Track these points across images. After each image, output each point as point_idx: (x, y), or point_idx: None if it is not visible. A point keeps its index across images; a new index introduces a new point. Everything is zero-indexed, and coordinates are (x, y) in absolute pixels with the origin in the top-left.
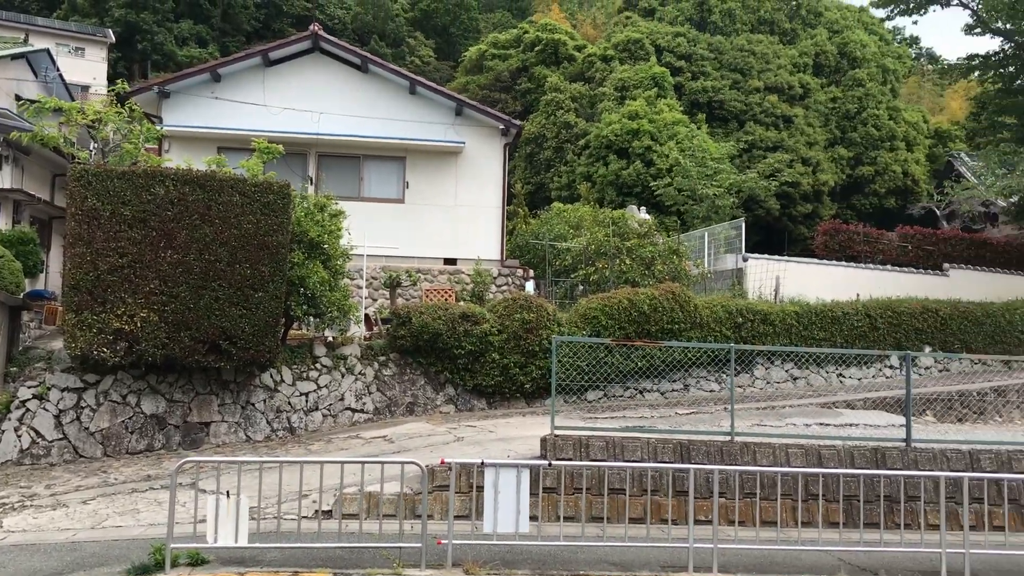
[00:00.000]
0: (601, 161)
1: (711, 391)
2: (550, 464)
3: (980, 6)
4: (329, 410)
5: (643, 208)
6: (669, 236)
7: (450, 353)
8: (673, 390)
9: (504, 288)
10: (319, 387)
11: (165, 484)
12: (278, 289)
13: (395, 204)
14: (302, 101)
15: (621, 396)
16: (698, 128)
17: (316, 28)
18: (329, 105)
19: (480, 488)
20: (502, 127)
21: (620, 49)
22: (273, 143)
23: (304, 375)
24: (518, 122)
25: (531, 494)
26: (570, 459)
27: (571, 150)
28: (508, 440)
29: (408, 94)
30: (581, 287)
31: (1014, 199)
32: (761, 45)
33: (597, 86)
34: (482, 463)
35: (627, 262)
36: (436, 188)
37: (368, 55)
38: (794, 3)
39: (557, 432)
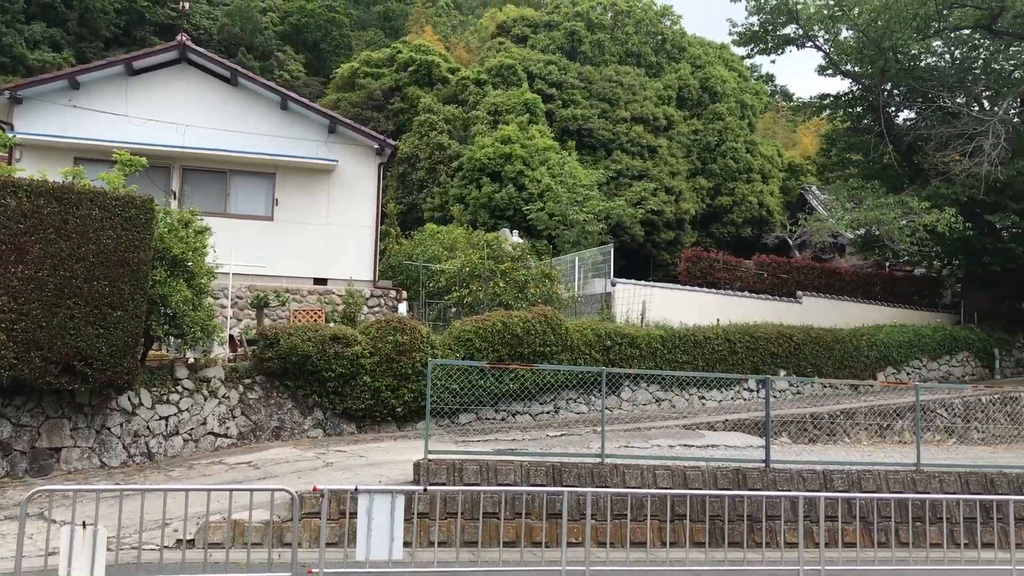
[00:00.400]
0: (474, 184)
1: (580, 413)
2: (425, 489)
3: (832, 49)
4: (191, 435)
5: (516, 232)
6: (541, 260)
7: (319, 376)
8: (544, 412)
9: (376, 310)
10: (180, 410)
11: (11, 515)
12: (138, 308)
13: (264, 221)
14: (167, 113)
15: (493, 419)
16: (569, 155)
17: (184, 38)
18: (196, 118)
19: (352, 515)
20: (377, 146)
21: (493, 74)
22: (136, 155)
23: (164, 398)
24: (393, 142)
25: (404, 520)
26: (444, 484)
27: (444, 171)
28: (379, 465)
29: (280, 109)
30: (455, 309)
31: (860, 231)
32: (628, 77)
33: (471, 109)
34: (356, 489)
35: (501, 285)
36: (307, 206)
37: (238, 68)
38: (660, 38)
39: (431, 456)
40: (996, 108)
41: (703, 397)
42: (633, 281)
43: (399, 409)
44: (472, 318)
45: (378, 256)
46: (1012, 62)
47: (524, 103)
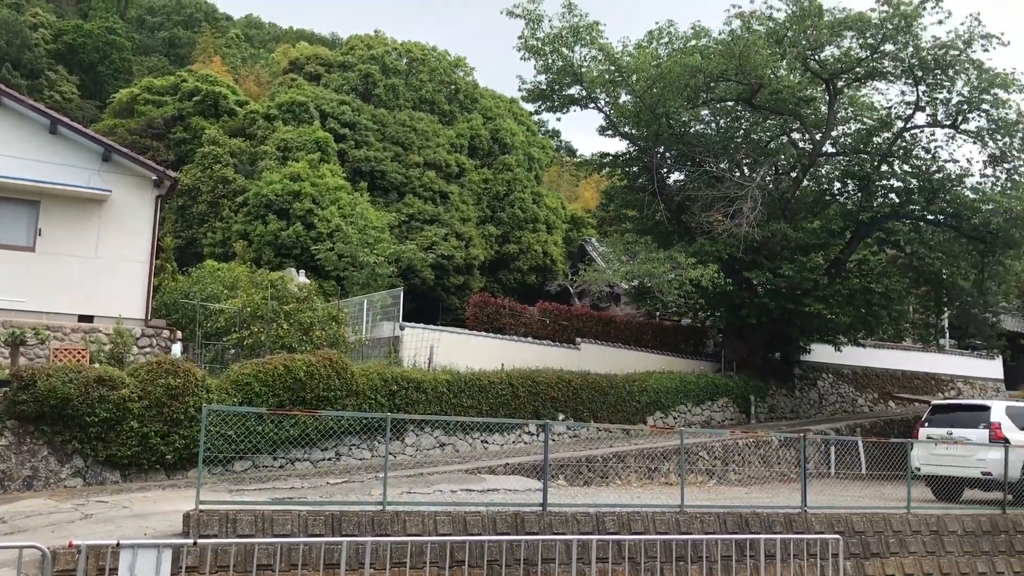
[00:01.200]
0: (260, 220)
1: (363, 459)
2: (195, 543)
3: (612, 111)
4: None
5: (303, 271)
6: (329, 302)
7: (81, 421)
8: (325, 459)
9: (148, 350)
10: None
11: None
12: None
13: (24, 252)
14: None
15: (271, 466)
16: (361, 196)
17: None
18: None
19: (113, 571)
20: (155, 177)
21: (284, 109)
22: None
23: None
24: (173, 173)
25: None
26: (216, 536)
27: (228, 206)
28: (145, 516)
29: (48, 133)
30: (234, 351)
31: (634, 283)
32: (422, 123)
33: (259, 144)
34: (118, 544)
35: (284, 327)
36: (76, 238)
37: (2, 87)
38: (453, 87)
39: (202, 507)
40: (754, 175)
41: (486, 441)
42: (422, 325)
43: (169, 456)
44: (252, 361)
45: (152, 293)
46: (768, 134)
47: (316, 141)
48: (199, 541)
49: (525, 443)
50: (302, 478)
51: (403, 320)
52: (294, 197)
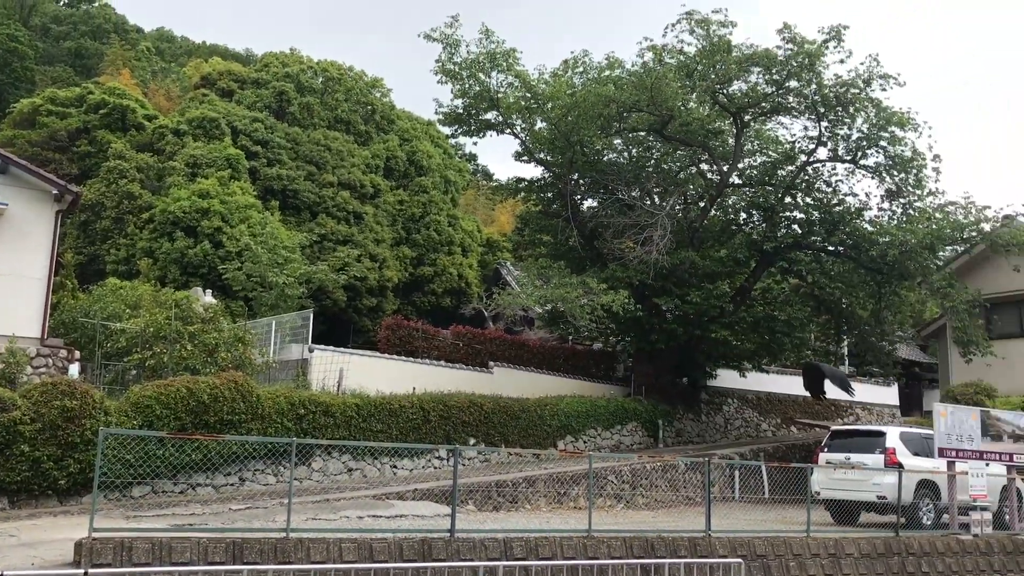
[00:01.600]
0: (167, 237)
1: (268, 484)
2: (86, 573)
3: (528, 138)
4: None
5: (209, 291)
6: (235, 322)
7: None
8: (228, 484)
9: (43, 370)
10: None
11: None
12: None
13: None
14: None
15: (172, 492)
16: (272, 215)
17: None
18: None
19: None
20: (56, 191)
21: (195, 125)
22: None
23: None
24: (76, 188)
25: None
26: (110, 565)
27: (133, 223)
28: (34, 545)
29: None
30: (135, 373)
31: (548, 307)
32: (337, 142)
33: (167, 159)
34: (2, 574)
35: (189, 348)
36: None
37: None
38: (370, 108)
39: (96, 535)
40: (664, 204)
41: (395, 466)
42: (332, 348)
43: (63, 482)
44: (154, 383)
45: (50, 311)
46: (678, 164)
47: (226, 158)
48: (90, 571)
49: (435, 468)
50: (203, 504)
51: (313, 342)
52: (202, 215)
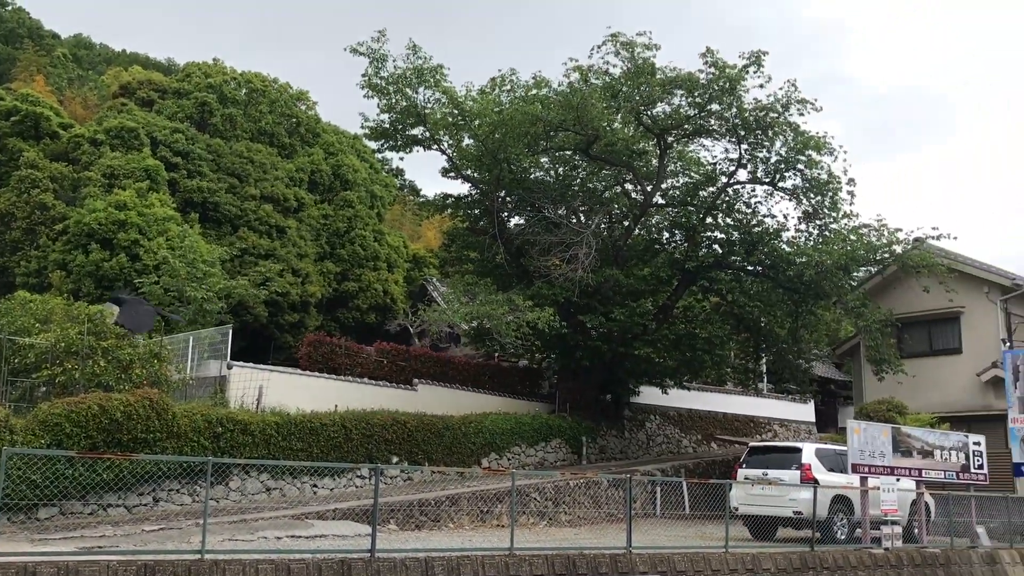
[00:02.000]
0: (81, 249)
1: (183, 504)
2: None
3: (455, 154)
4: None
5: None
6: (151, 338)
7: None
8: (142, 504)
9: None
10: None
11: None
12: None
13: None
14: None
15: (81, 513)
16: (191, 228)
17: None
18: None
19: None
20: None
21: (112, 135)
22: None
23: None
24: None
25: None
26: None
27: (46, 234)
28: None
29: None
30: (44, 389)
31: (474, 324)
32: (260, 155)
33: (83, 169)
34: None
35: (102, 364)
36: None
37: None
38: (294, 120)
39: None
40: (590, 222)
41: (316, 485)
42: (251, 364)
43: None
44: (64, 400)
45: None
46: (603, 183)
47: (145, 169)
48: None
49: (357, 487)
50: (115, 525)
51: (232, 358)
52: (119, 227)
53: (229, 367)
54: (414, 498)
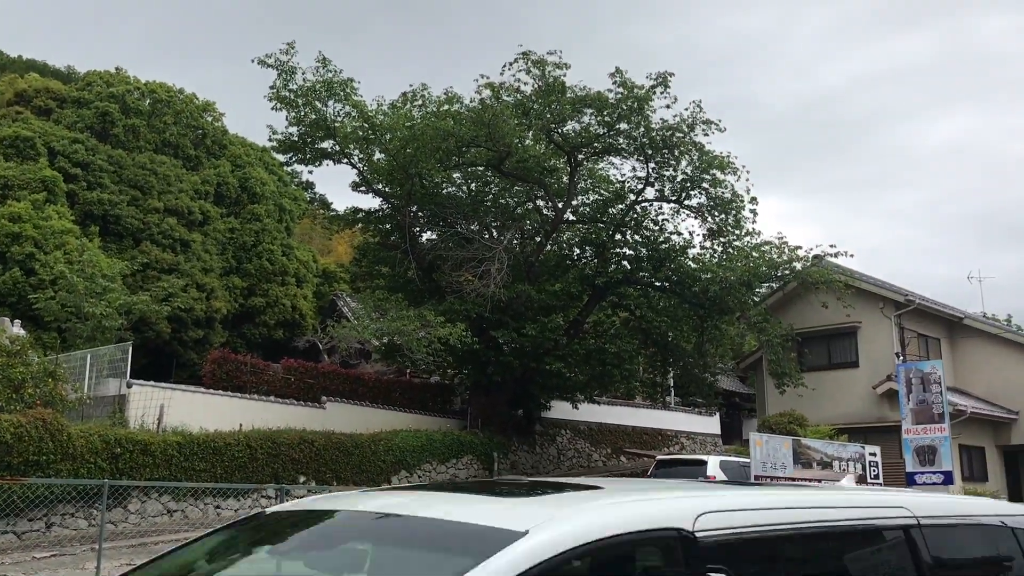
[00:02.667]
0: None
1: (79, 529)
2: None
3: (366, 168)
4: None
5: (18, 322)
6: (46, 356)
7: None
8: (33, 530)
9: None
10: None
11: None
12: None
13: None
14: None
15: None
16: (91, 241)
17: None
18: None
19: None
20: None
21: (6, 144)
22: None
23: None
24: None
25: None
26: None
27: None
28: None
29: None
30: None
31: (385, 340)
32: (164, 166)
33: None
34: None
35: None
36: None
37: None
38: (200, 132)
39: None
40: (502, 238)
41: (219, 507)
42: (152, 383)
43: None
44: None
45: None
46: (515, 199)
47: (42, 180)
48: None
49: (262, 507)
50: (4, 552)
51: (133, 377)
52: (13, 240)
53: (129, 385)
54: None
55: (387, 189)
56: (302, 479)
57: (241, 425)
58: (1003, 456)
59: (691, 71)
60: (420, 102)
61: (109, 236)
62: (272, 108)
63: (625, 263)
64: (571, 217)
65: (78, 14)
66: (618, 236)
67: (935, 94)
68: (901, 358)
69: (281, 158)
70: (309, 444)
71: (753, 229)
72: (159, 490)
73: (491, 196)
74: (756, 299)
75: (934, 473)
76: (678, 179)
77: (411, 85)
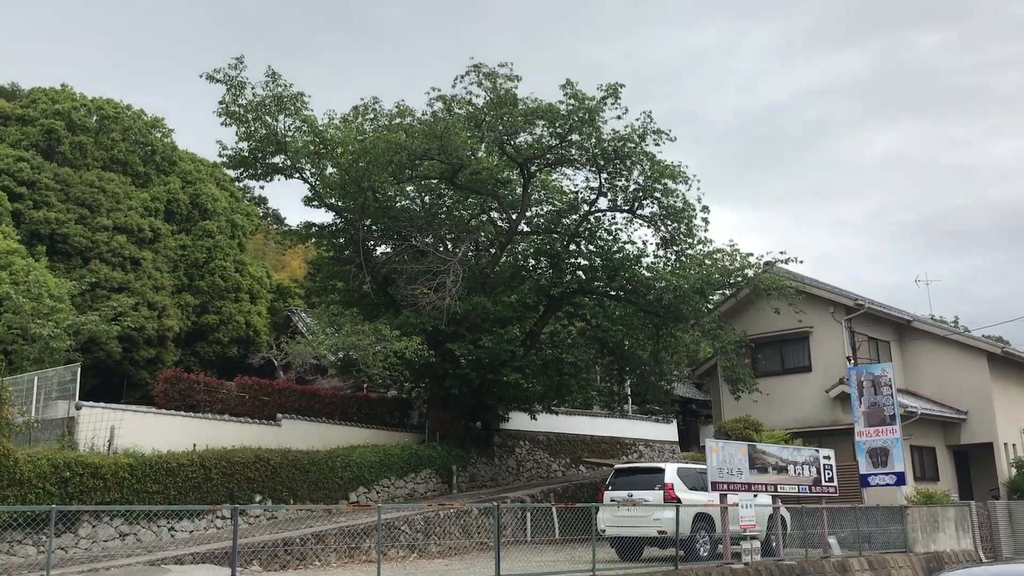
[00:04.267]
0: None
1: (27, 556)
2: None
3: (318, 183)
4: None
5: None
6: None
7: None
8: None
9: None
10: None
11: None
12: None
13: None
14: None
15: None
16: (37, 261)
17: None
18: None
19: None
20: None
21: None
22: None
23: None
24: None
25: None
26: None
27: None
28: None
29: None
30: None
31: (341, 355)
32: (113, 184)
33: None
34: None
35: None
36: None
37: None
38: (149, 148)
39: None
40: (457, 250)
41: (174, 529)
42: (103, 404)
43: None
44: None
45: None
46: (469, 212)
47: None
48: None
49: (218, 528)
50: None
51: (82, 398)
52: None
53: (78, 407)
54: (278, 537)
55: (340, 203)
56: (258, 498)
57: (195, 445)
58: (953, 455)
59: (640, 86)
60: (372, 116)
61: (57, 255)
62: (222, 123)
63: (580, 273)
64: (525, 228)
65: (22, 30)
66: (572, 246)
67: (875, 107)
68: (852, 361)
69: (232, 173)
70: (265, 462)
71: (705, 237)
72: (111, 514)
73: (445, 209)
74: (710, 306)
75: (887, 474)
76: (630, 189)
77: (362, 99)
